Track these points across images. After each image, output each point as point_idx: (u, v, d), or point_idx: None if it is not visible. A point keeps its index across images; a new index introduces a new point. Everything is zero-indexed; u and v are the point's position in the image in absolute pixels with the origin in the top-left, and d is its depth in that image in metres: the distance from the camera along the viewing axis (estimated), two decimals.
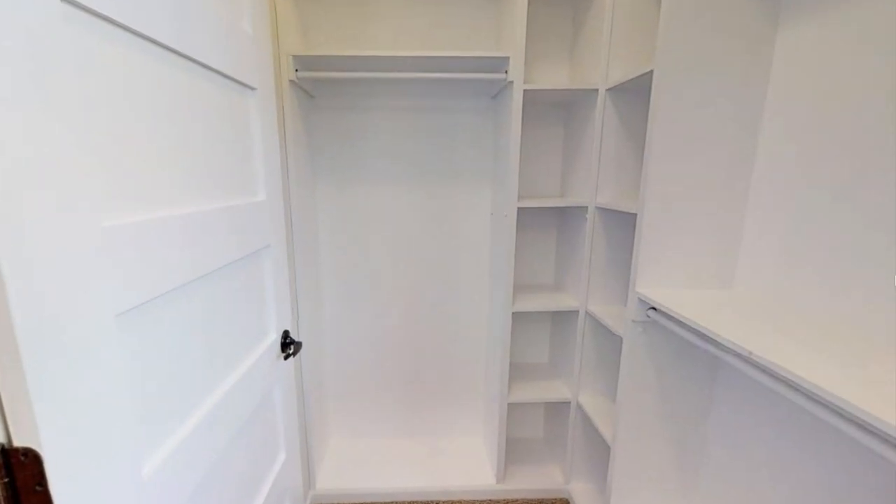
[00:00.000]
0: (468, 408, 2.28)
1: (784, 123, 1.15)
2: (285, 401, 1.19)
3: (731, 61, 1.18)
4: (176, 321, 0.69)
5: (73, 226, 0.48)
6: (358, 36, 1.82)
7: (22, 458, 0.43)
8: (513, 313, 1.79)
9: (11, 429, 0.43)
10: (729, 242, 1.29)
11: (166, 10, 0.65)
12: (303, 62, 1.58)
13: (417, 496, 1.94)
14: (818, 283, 1.06)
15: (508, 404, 1.89)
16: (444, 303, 2.14)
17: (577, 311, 1.80)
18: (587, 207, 1.70)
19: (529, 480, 2.00)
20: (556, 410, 2.10)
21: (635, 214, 1.33)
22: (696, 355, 1.36)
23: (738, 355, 0.96)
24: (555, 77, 1.90)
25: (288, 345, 1.16)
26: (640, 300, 1.31)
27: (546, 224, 2.05)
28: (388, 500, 1.93)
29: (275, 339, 1.11)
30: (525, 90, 1.60)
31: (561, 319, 2.03)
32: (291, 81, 1.55)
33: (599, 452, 1.74)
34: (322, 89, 1.87)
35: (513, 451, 2.15)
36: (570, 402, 1.89)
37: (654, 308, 1.27)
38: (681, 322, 1.13)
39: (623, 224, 1.68)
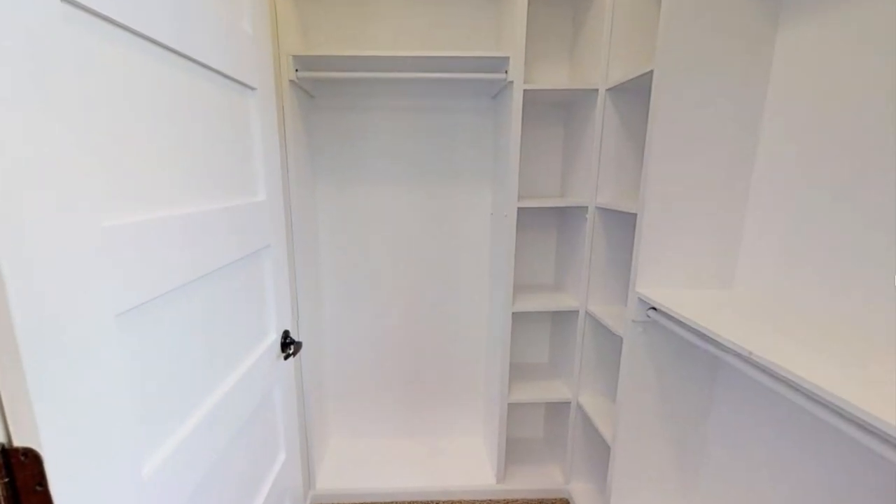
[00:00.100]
0: (468, 408, 2.28)
1: (784, 123, 1.15)
2: (285, 401, 1.19)
3: (731, 61, 1.18)
4: (176, 321, 0.69)
5: (73, 226, 0.48)
6: (358, 36, 1.82)
7: (22, 458, 0.43)
8: (513, 313, 1.79)
9: (11, 429, 0.43)
10: (729, 242, 1.29)
11: (166, 10, 0.65)
12: (303, 62, 1.58)
13: (417, 496, 1.94)
14: (818, 283, 1.06)
15: (508, 404, 1.89)
16: (444, 303, 2.14)
17: (577, 311, 1.80)
18: (587, 207, 1.70)
19: (529, 480, 2.00)
20: (557, 410, 2.10)
21: (635, 214, 1.33)
22: (696, 355, 1.36)
23: (738, 355, 0.96)
24: (555, 77, 1.90)
25: (288, 345, 1.16)
26: (640, 300, 1.31)
27: (546, 224, 2.05)
28: (388, 500, 1.93)
29: (275, 339, 1.11)
30: (525, 90, 1.60)
31: (561, 319, 2.03)
32: (291, 81, 1.55)
33: (599, 452, 1.74)
34: (322, 89, 1.87)
35: (513, 451, 2.15)
36: (570, 402, 1.89)
37: (654, 308, 1.27)
38: (681, 322, 1.13)
39: (623, 224, 1.68)
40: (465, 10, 1.83)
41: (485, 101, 1.93)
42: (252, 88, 0.97)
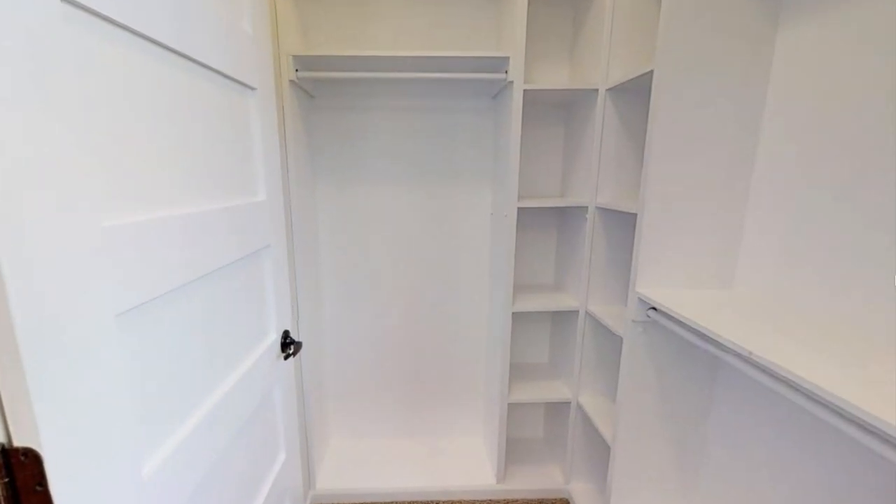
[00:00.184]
0: (468, 408, 2.28)
1: (784, 123, 1.15)
2: (285, 401, 1.19)
3: (731, 61, 1.18)
4: (176, 321, 0.69)
5: (73, 226, 0.48)
6: (358, 36, 1.82)
7: (22, 458, 0.43)
8: (513, 313, 1.79)
9: (11, 429, 0.43)
10: (729, 242, 1.29)
11: (166, 10, 0.65)
12: (303, 62, 1.58)
13: (417, 496, 1.94)
14: (818, 283, 1.06)
15: (508, 404, 1.89)
16: (444, 303, 2.14)
17: (577, 311, 1.80)
18: (587, 207, 1.70)
19: (529, 480, 2.00)
20: (556, 410, 2.10)
21: (635, 214, 1.33)
22: (696, 355, 1.36)
23: (738, 355, 0.96)
24: (555, 77, 1.90)
25: (288, 345, 1.16)
26: (641, 300, 1.31)
27: (546, 224, 2.05)
28: (388, 500, 1.93)
29: (275, 339, 1.11)
30: (525, 90, 1.60)
31: (561, 319, 2.03)
32: (291, 81, 1.55)
33: (599, 452, 1.74)
34: (322, 89, 1.87)
35: (513, 451, 2.15)
36: (570, 402, 1.89)
37: (654, 308, 1.27)
38: (681, 322, 1.13)
39: (623, 224, 1.68)
40: (465, 10, 1.83)
41: (485, 101, 1.93)
42: (252, 88, 0.97)
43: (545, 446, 2.24)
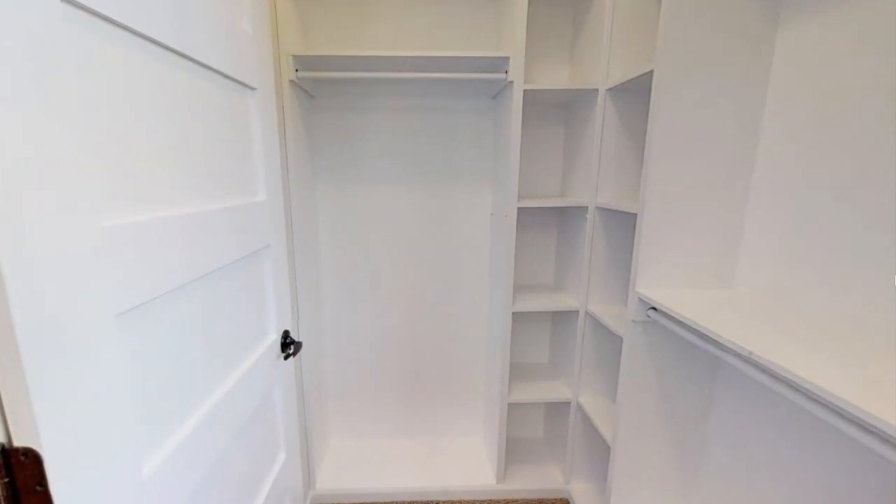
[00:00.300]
0: (468, 408, 2.28)
1: (784, 123, 1.15)
2: (285, 401, 1.19)
3: (731, 61, 1.18)
4: (176, 321, 0.69)
5: (73, 226, 0.48)
6: (358, 36, 1.82)
7: (22, 458, 0.43)
8: (513, 313, 1.79)
9: (11, 429, 0.43)
10: (729, 242, 1.29)
11: (166, 10, 0.65)
12: (303, 62, 1.58)
13: (417, 496, 1.94)
14: (818, 283, 1.06)
15: (508, 404, 1.89)
16: (444, 303, 2.14)
17: (577, 311, 1.80)
18: (587, 207, 1.70)
19: (529, 480, 2.00)
20: (557, 410, 2.10)
21: (635, 214, 1.33)
22: (696, 355, 1.36)
23: (738, 355, 0.96)
24: (555, 77, 1.90)
25: (288, 345, 1.16)
26: (641, 300, 1.31)
27: (546, 224, 2.05)
28: (388, 500, 1.93)
29: (275, 339, 1.11)
30: (525, 90, 1.60)
31: (561, 319, 2.03)
32: (291, 81, 1.55)
33: (599, 452, 1.74)
34: (322, 89, 1.87)
35: (513, 451, 2.15)
36: (570, 402, 1.89)
37: (654, 308, 1.27)
38: (681, 322, 1.13)
39: (623, 224, 1.68)
40: (465, 10, 1.83)
41: (485, 101, 1.93)
42: (252, 88, 0.97)
43: (545, 446, 2.24)
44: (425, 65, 1.62)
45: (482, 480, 1.99)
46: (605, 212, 1.69)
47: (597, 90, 1.60)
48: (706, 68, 1.19)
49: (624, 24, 1.54)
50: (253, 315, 1.00)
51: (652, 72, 1.24)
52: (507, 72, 1.60)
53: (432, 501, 1.93)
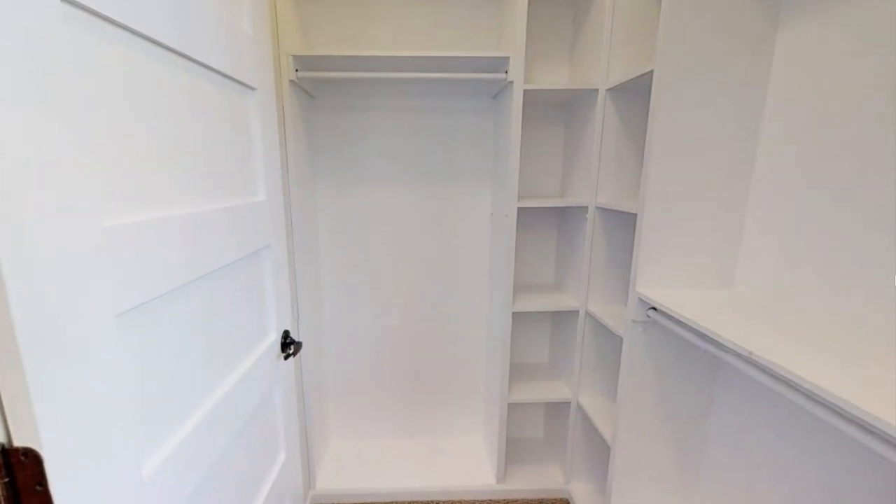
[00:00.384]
0: (468, 408, 2.28)
1: (784, 123, 1.15)
2: (285, 401, 1.19)
3: (731, 61, 1.18)
4: (176, 321, 0.69)
5: (73, 226, 0.48)
6: (358, 36, 1.82)
7: (22, 458, 0.43)
8: (513, 313, 1.79)
9: (12, 429, 0.43)
10: (729, 242, 1.29)
11: (166, 9, 0.65)
12: (303, 62, 1.58)
13: (417, 496, 1.94)
14: (818, 283, 1.06)
15: (508, 404, 1.89)
16: (444, 303, 2.14)
17: (578, 311, 1.80)
18: (587, 207, 1.70)
19: (529, 480, 2.00)
20: (557, 410, 2.10)
21: (635, 214, 1.33)
22: (696, 355, 1.36)
23: (738, 355, 0.96)
24: (555, 77, 1.90)
25: (288, 345, 1.16)
26: (641, 300, 1.31)
27: (546, 224, 2.05)
28: (388, 500, 1.93)
29: (275, 339, 1.11)
30: (525, 90, 1.60)
31: (561, 319, 2.03)
32: (291, 81, 1.55)
33: (599, 452, 1.74)
34: (322, 89, 1.87)
35: (513, 451, 2.15)
36: (570, 402, 1.89)
37: (654, 308, 1.27)
38: (681, 322, 1.13)
39: (623, 224, 1.68)
40: (465, 10, 1.83)
41: (485, 101, 1.93)
42: (252, 88, 0.97)
43: (545, 446, 2.24)
44: (425, 65, 1.62)
45: (482, 480, 1.99)
46: (605, 212, 1.69)
47: (597, 90, 1.60)
48: (706, 68, 1.19)
49: (624, 24, 1.54)
50: (253, 315, 1.00)
51: (652, 72, 1.24)
52: (507, 72, 1.60)
53: (432, 501, 1.93)
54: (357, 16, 1.81)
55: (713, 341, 1.03)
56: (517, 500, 1.94)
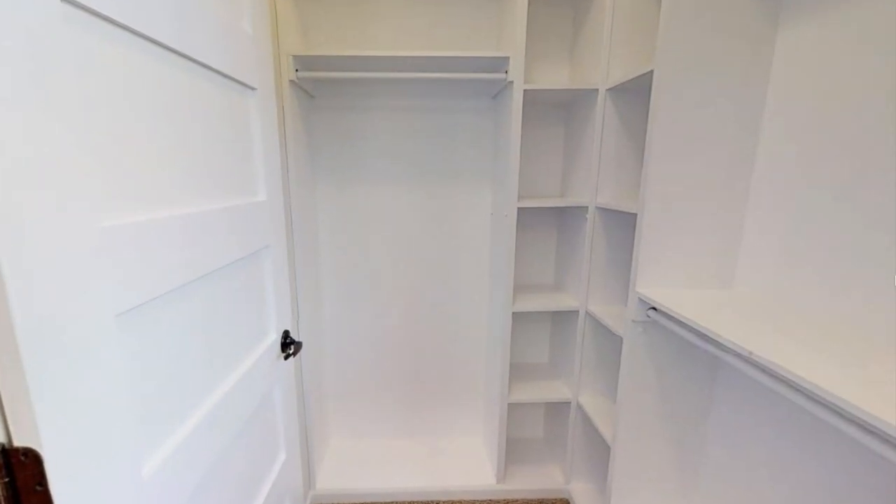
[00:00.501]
0: (468, 408, 2.28)
1: (784, 123, 1.15)
2: (285, 401, 1.19)
3: (731, 61, 1.18)
4: (176, 321, 0.69)
5: (73, 226, 0.48)
6: (358, 36, 1.82)
7: (22, 458, 0.43)
8: (513, 313, 1.79)
9: (12, 429, 0.43)
10: (729, 242, 1.29)
11: (166, 9, 0.65)
12: (303, 62, 1.58)
13: (417, 496, 1.94)
14: (818, 283, 1.06)
15: (508, 404, 1.89)
16: (444, 303, 2.14)
17: (578, 311, 1.80)
18: (587, 207, 1.70)
19: (529, 480, 2.00)
20: (557, 410, 2.10)
21: (635, 214, 1.33)
22: (696, 355, 1.36)
23: (738, 355, 0.95)
24: (555, 77, 1.90)
25: (288, 345, 1.16)
26: (641, 300, 1.31)
27: (546, 224, 2.05)
28: (388, 500, 1.93)
29: (275, 339, 1.11)
30: (525, 90, 1.60)
31: (561, 319, 2.03)
32: (291, 81, 1.55)
33: (599, 452, 1.74)
34: (322, 89, 1.87)
35: (513, 451, 2.15)
36: (570, 402, 1.89)
37: (654, 308, 1.27)
38: (681, 322, 1.13)
39: (623, 224, 1.68)
40: (465, 10, 1.83)
41: (485, 101, 1.93)
42: (252, 88, 0.97)
43: (545, 446, 2.24)
44: (425, 65, 1.62)
45: (482, 480, 1.99)
46: (605, 212, 1.69)
47: (597, 90, 1.60)
48: (706, 68, 1.19)
49: (624, 24, 1.54)
50: (253, 315, 1.00)
51: (652, 72, 1.24)
52: (507, 72, 1.60)
53: (432, 501, 1.93)
54: (357, 16, 1.81)
55: (713, 341, 1.03)
56: (517, 500, 1.94)
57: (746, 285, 1.28)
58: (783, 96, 1.15)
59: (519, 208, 1.70)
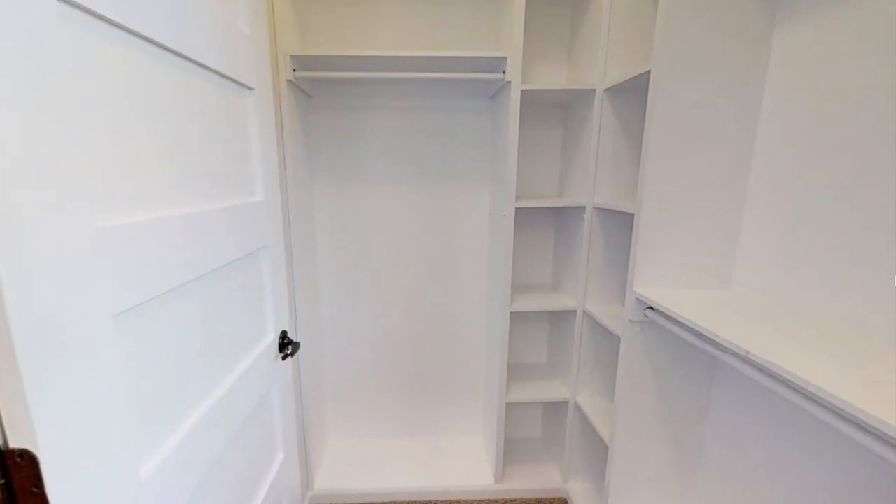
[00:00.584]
0: (467, 408, 2.28)
1: (781, 124, 1.15)
2: (283, 401, 1.19)
3: (729, 61, 1.18)
4: (173, 322, 0.69)
5: (71, 226, 0.47)
6: (358, 36, 1.82)
7: (18, 460, 0.42)
8: (511, 313, 1.79)
9: (8, 430, 0.42)
10: (727, 242, 1.29)
11: (163, 9, 0.65)
12: (300, 62, 1.58)
13: (417, 496, 1.94)
14: (817, 283, 1.06)
15: (507, 404, 1.89)
16: (443, 303, 2.14)
17: (575, 311, 1.81)
18: (585, 207, 1.70)
19: (528, 480, 2.00)
20: (555, 410, 2.10)
21: (633, 214, 1.33)
22: (693, 355, 1.37)
23: (735, 355, 0.96)
24: (553, 77, 1.90)
25: (286, 345, 1.16)
26: (638, 300, 1.31)
27: (544, 224, 2.06)
28: (387, 500, 1.93)
29: (273, 339, 1.11)
30: (523, 90, 1.60)
31: (559, 319, 2.03)
32: (289, 81, 1.55)
33: (597, 452, 1.74)
34: (320, 89, 1.87)
35: (511, 451, 2.15)
36: (568, 402, 1.89)
37: (651, 308, 1.27)
38: (678, 322, 1.13)
39: (621, 224, 1.68)
40: (464, 10, 1.83)
41: (483, 101, 1.93)
42: (249, 88, 0.96)
43: (543, 446, 2.24)
44: (424, 65, 1.62)
45: (481, 480, 1.99)
46: (603, 212, 1.69)
47: (594, 90, 1.60)
48: (703, 68, 1.19)
49: (621, 24, 1.54)
50: (251, 315, 1.00)
51: (649, 72, 1.24)
52: (504, 72, 1.60)
53: (431, 501, 1.93)
54: (356, 16, 1.81)
55: (711, 341, 1.03)
56: (515, 500, 1.95)
57: (744, 285, 1.28)
58: (780, 97, 1.15)
59: (517, 208, 1.70)
